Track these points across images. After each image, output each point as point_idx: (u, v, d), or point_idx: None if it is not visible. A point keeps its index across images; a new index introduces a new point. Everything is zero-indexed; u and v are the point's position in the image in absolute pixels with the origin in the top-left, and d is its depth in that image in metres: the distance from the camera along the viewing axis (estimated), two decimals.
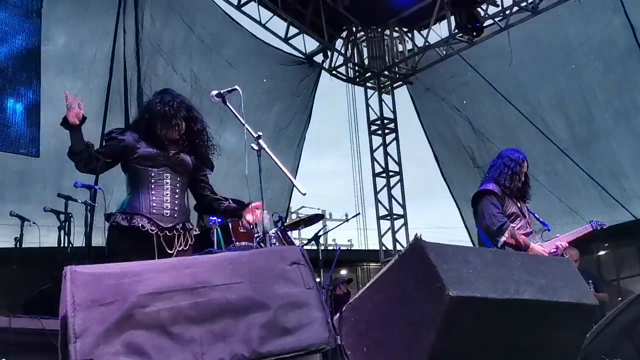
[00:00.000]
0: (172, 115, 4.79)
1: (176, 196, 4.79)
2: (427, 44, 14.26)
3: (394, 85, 15.61)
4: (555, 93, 13.10)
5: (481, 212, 6.05)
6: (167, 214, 4.70)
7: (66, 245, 8.09)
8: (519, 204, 6.19)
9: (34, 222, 8.50)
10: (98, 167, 4.75)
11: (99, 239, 7.93)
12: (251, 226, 5.16)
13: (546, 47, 12.99)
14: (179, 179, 4.82)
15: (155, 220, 4.62)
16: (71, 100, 4.42)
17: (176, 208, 4.76)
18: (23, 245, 8.54)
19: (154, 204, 4.66)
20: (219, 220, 7.00)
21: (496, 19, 13.11)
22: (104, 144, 4.91)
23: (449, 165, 15.09)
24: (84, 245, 8.12)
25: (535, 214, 6.40)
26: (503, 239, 5.82)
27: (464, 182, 14.53)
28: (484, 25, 12.78)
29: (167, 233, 4.68)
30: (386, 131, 15.34)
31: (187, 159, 4.90)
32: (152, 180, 4.70)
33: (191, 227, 4.92)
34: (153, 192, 4.68)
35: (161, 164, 4.75)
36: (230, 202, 5.13)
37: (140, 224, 4.58)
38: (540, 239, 6.20)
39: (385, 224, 14.98)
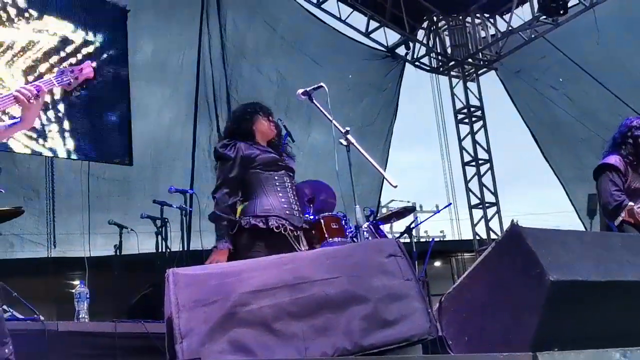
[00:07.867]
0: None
1: (295, 197, 4.97)
2: (510, 28, 14.02)
3: (479, 72, 15.38)
4: None
5: (600, 189, 5.68)
6: (296, 214, 4.88)
7: (164, 250, 8.23)
8: None
9: (131, 229, 8.68)
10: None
11: (196, 243, 8.08)
12: None
13: None
14: (290, 180, 5.01)
15: (290, 221, 4.77)
16: None
17: (297, 208, 4.93)
18: (123, 253, 8.76)
19: (285, 206, 4.80)
20: (312, 217, 7.04)
21: None
22: (218, 164, 5.01)
23: (550, 145, 14.58)
24: (181, 249, 8.26)
25: None
26: (619, 219, 5.47)
27: (567, 160, 14.19)
28: (569, 5, 12.49)
29: (299, 233, 4.87)
30: (473, 119, 15.06)
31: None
32: (277, 184, 4.84)
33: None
34: (280, 194, 4.82)
35: (280, 168, 4.93)
36: None
37: (277, 224, 4.68)
38: None
39: (477, 213, 14.76)
